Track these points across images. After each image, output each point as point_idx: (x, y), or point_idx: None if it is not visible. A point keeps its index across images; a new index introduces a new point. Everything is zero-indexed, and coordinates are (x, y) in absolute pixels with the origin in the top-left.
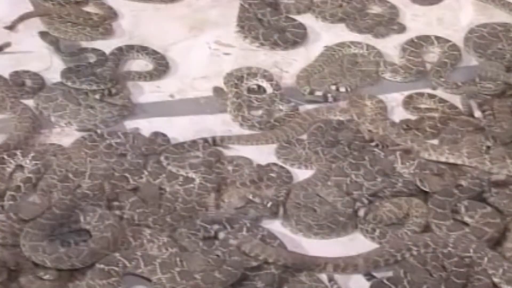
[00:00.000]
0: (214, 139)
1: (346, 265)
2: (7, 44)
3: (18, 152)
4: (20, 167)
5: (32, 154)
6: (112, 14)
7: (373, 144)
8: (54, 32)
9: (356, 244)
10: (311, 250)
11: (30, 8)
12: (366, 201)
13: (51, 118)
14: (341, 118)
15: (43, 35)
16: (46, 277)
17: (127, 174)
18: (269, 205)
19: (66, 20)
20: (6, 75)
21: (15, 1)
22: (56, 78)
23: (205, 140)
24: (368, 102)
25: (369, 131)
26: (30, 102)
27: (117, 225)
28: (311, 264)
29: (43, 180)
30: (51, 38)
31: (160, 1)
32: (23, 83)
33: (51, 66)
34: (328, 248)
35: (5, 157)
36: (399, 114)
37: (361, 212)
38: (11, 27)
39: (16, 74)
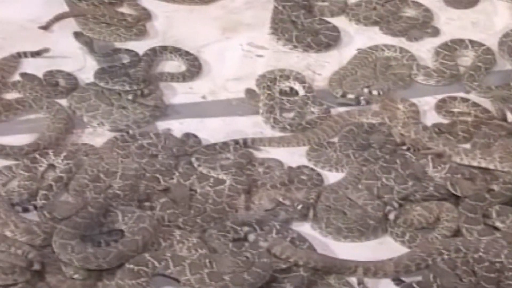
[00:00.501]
0: (245, 140)
1: (377, 269)
2: (46, 50)
3: (50, 152)
4: (52, 166)
5: (64, 154)
6: (146, 15)
7: (404, 147)
8: (88, 32)
9: (385, 247)
10: (340, 253)
11: (65, 8)
12: (396, 205)
13: (84, 118)
14: (373, 121)
15: (78, 35)
16: (76, 276)
17: (158, 175)
18: (299, 207)
19: (100, 21)
20: (40, 75)
21: (50, 1)
22: (90, 78)
23: (236, 141)
24: (400, 105)
25: (401, 134)
26: (63, 102)
27: (151, 229)
28: (341, 267)
29: (74, 180)
30: (85, 39)
31: (195, 3)
32: (57, 83)
33: (84, 67)
34: (357, 252)
35: (37, 156)
36: (431, 118)
37: (392, 216)
38: (46, 27)
39: (50, 74)
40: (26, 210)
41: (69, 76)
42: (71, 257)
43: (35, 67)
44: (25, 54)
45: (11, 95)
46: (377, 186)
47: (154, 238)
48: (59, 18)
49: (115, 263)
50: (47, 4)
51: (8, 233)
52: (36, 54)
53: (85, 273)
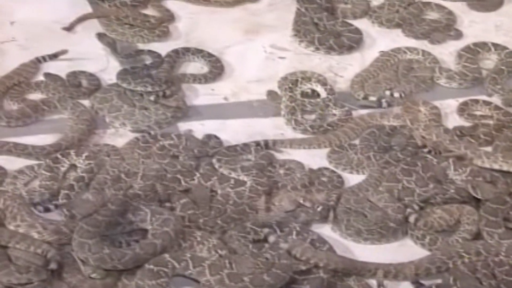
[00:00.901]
0: (266, 142)
1: (397, 271)
2: (63, 51)
3: (71, 152)
4: (73, 166)
5: (85, 154)
6: (169, 17)
7: (426, 150)
8: (111, 33)
9: (405, 250)
10: (360, 255)
11: (89, 10)
12: (417, 207)
13: (106, 119)
14: (394, 124)
15: (101, 36)
16: (93, 275)
17: (179, 176)
18: (319, 209)
19: (123, 22)
20: (63, 75)
21: (74, 2)
22: (112, 79)
23: (258, 143)
24: (422, 108)
25: (422, 137)
26: (85, 103)
27: (173, 234)
28: (361, 270)
29: (95, 180)
30: (108, 40)
31: (220, 5)
32: (80, 84)
33: (107, 67)
34: (377, 254)
35: (59, 156)
36: (453, 120)
37: (412, 218)
38: (69, 28)
39: (72, 74)
40: (47, 209)
41: (92, 76)
42: (87, 256)
43: (58, 67)
44: (44, 59)
45: (35, 96)
46: (398, 189)
47: (174, 242)
48: (82, 19)
49: (130, 265)
50: (71, 5)
51: (35, 235)
52: (54, 56)
53: (102, 272)
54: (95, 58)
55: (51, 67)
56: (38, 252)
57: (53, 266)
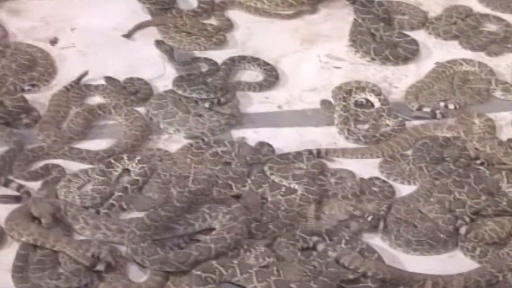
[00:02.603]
0: (319, 151)
1: (445, 283)
2: (85, 74)
3: (124, 156)
4: (126, 171)
5: (138, 158)
6: (227, 26)
7: (478, 162)
8: (169, 41)
9: (455, 262)
10: (409, 266)
11: (148, 17)
12: (468, 219)
13: (160, 125)
14: (447, 135)
15: (159, 43)
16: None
17: (230, 182)
18: (369, 218)
19: (181, 30)
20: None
21: (134, 10)
22: (168, 86)
23: (310, 152)
24: (476, 120)
25: (476, 149)
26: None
27: (230, 241)
28: (410, 280)
29: (148, 184)
30: (166, 47)
31: (280, 17)
32: (137, 91)
33: (164, 74)
34: (426, 265)
35: (112, 161)
36: (508, 133)
37: (463, 230)
38: (128, 35)
39: (130, 81)
40: (98, 213)
41: (146, 85)
42: (143, 259)
43: (117, 73)
44: (71, 86)
45: (92, 100)
46: (449, 200)
47: (243, 238)
48: (141, 26)
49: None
50: (130, 13)
51: (100, 236)
52: (78, 80)
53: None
54: (152, 65)
55: (110, 73)
56: (87, 254)
57: (100, 267)
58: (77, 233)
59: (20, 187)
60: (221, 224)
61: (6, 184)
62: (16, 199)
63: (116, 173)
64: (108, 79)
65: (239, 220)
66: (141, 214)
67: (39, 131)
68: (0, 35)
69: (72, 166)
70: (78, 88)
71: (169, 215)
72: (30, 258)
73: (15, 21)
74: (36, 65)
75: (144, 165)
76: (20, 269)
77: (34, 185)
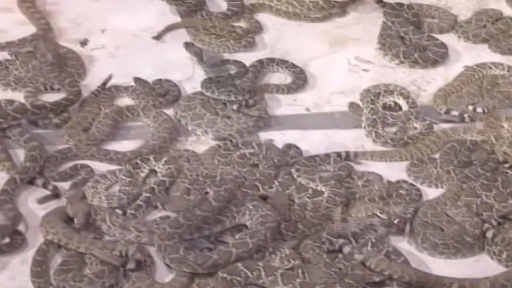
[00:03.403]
0: (347, 153)
1: (472, 287)
2: (110, 78)
3: (151, 157)
4: (153, 171)
5: (164, 159)
6: (256, 28)
7: (507, 165)
8: (198, 43)
9: (481, 265)
10: (435, 269)
11: (177, 19)
12: (495, 223)
13: (188, 127)
14: (475, 139)
15: (188, 46)
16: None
17: (257, 183)
18: (396, 221)
19: (210, 32)
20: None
21: (164, 12)
22: (197, 88)
23: (339, 154)
24: (505, 123)
25: (504, 152)
26: (166, 110)
27: (251, 246)
28: (436, 283)
29: (175, 185)
30: (195, 49)
31: (311, 20)
32: (166, 93)
33: (193, 76)
34: (452, 268)
35: (139, 162)
36: None
37: (490, 234)
38: (158, 37)
39: (159, 83)
40: (124, 214)
41: (174, 87)
42: (164, 255)
43: (145, 74)
44: (98, 91)
45: (122, 101)
46: (477, 204)
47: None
48: (170, 28)
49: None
50: (160, 15)
51: (132, 238)
52: (104, 85)
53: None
54: (181, 67)
55: (139, 74)
56: (115, 253)
57: (131, 265)
58: (107, 235)
59: (54, 189)
60: (251, 222)
61: (45, 185)
62: (56, 196)
63: (142, 174)
64: (138, 80)
65: (266, 226)
66: (169, 215)
67: (69, 137)
68: (43, 28)
69: (100, 167)
70: (108, 89)
71: (205, 214)
72: (50, 255)
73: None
74: (67, 65)
75: (170, 166)
76: (39, 263)
77: (64, 186)
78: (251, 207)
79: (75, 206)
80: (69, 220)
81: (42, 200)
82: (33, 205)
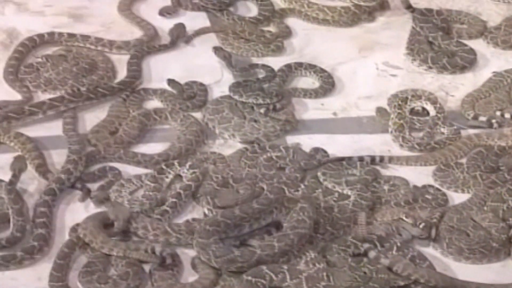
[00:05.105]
0: (373, 158)
1: None
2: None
3: (175, 162)
4: (178, 176)
5: (189, 164)
6: (285, 33)
7: None
8: (227, 47)
9: (507, 271)
10: (460, 274)
11: (207, 23)
12: None
13: (216, 130)
14: (503, 144)
15: (217, 50)
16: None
17: (283, 186)
18: (421, 226)
19: (239, 36)
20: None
21: (194, 16)
22: (225, 91)
23: (361, 158)
24: None
25: None
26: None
27: (292, 243)
28: None
29: (201, 187)
30: (224, 53)
31: (339, 26)
32: (194, 96)
33: (221, 80)
34: (478, 273)
35: (164, 167)
36: None
37: None
38: (188, 41)
39: (189, 85)
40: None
41: (203, 91)
42: (209, 257)
43: (174, 78)
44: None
45: (150, 104)
46: (503, 209)
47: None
48: (200, 32)
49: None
50: (190, 19)
51: (173, 240)
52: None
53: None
54: (210, 71)
55: (168, 77)
56: (142, 252)
57: (168, 260)
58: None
59: (82, 186)
60: (286, 225)
61: (73, 185)
62: (87, 192)
63: (167, 180)
64: (171, 81)
65: (295, 231)
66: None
67: (96, 141)
68: (150, 33)
69: (128, 169)
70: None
71: (262, 207)
72: (72, 258)
73: (78, 26)
74: (97, 68)
75: (195, 170)
76: (59, 268)
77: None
78: (297, 208)
79: (117, 209)
80: (108, 225)
81: (82, 199)
82: (61, 205)
